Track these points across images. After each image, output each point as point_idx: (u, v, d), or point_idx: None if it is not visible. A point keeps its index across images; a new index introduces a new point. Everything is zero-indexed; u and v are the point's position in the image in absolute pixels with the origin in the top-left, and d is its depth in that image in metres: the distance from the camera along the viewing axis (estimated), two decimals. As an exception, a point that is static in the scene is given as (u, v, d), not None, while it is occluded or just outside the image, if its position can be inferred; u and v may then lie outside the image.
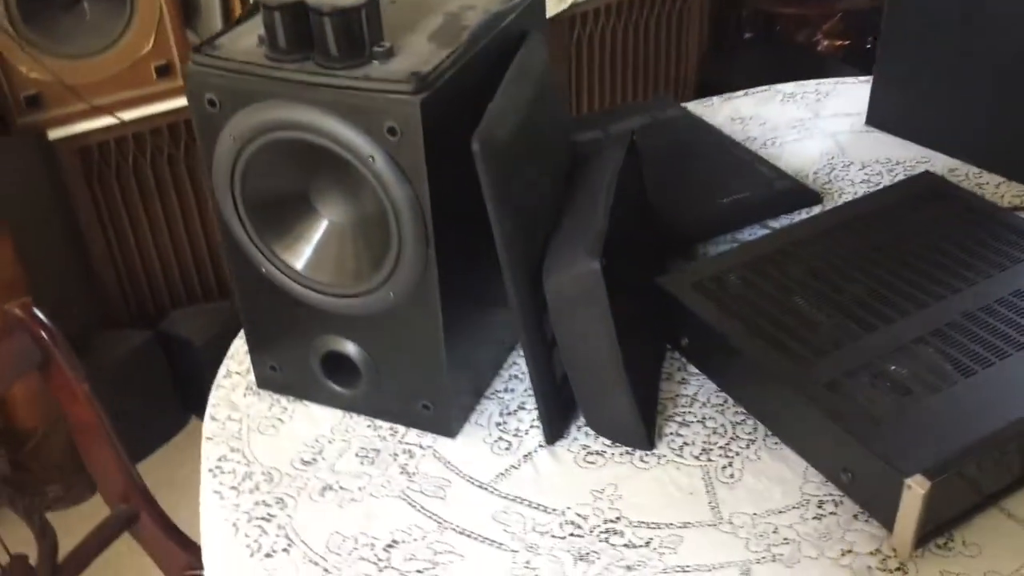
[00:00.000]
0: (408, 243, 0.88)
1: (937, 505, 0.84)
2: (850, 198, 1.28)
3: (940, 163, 1.40)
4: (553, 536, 0.90)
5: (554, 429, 0.99)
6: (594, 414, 0.98)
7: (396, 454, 1.00)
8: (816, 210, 1.27)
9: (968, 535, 0.88)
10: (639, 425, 0.96)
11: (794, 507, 0.92)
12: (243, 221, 0.93)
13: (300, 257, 0.94)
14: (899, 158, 1.42)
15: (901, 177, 1.36)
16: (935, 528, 0.87)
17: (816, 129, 1.51)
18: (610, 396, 0.94)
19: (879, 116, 1.50)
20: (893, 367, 0.94)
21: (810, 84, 1.64)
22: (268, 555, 0.90)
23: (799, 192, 1.24)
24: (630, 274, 1.06)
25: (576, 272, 0.88)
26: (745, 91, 1.64)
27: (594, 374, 0.94)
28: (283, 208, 0.93)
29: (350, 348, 0.99)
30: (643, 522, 0.91)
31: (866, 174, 1.39)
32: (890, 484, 0.83)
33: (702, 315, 1.02)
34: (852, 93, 1.59)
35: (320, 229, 0.94)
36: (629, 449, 0.98)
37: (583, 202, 0.96)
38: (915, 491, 0.81)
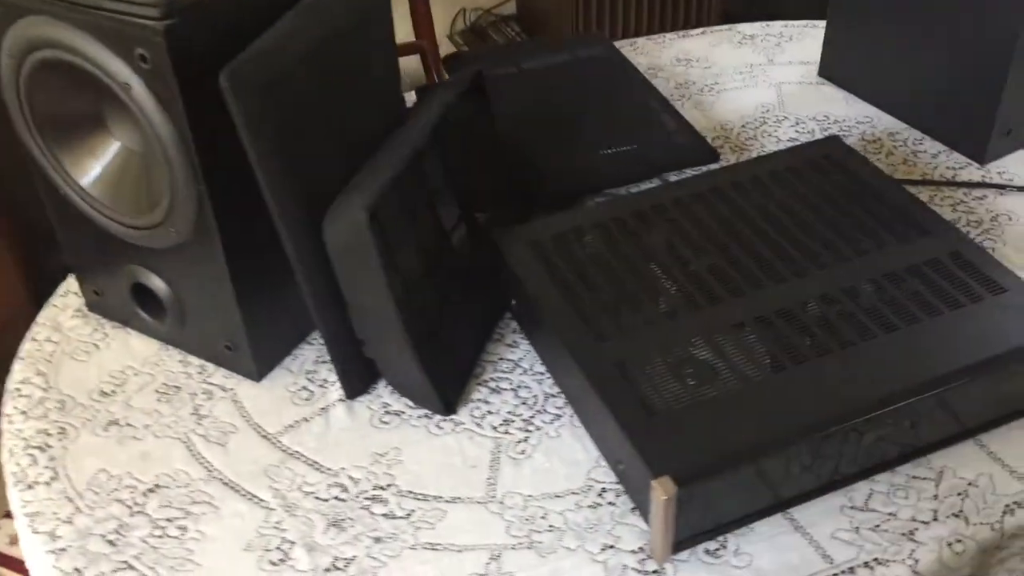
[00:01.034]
0: (180, 179, 0.84)
1: (692, 510, 0.77)
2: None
3: (883, 124, 1.28)
4: (317, 498, 0.86)
5: (352, 384, 0.95)
6: (389, 372, 0.93)
7: (196, 394, 0.97)
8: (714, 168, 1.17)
9: (745, 543, 0.81)
10: (430, 388, 0.90)
11: (574, 492, 0.86)
12: (35, 137, 0.90)
13: (87, 174, 0.90)
14: (839, 116, 1.30)
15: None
16: (705, 532, 0.80)
17: (763, 77, 1.40)
18: (396, 354, 0.89)
19: (829, 68, 1.38)
20: (705, 353, 0.86)
21: (775, 25, 1.52)
22: (30, 486, 0.89)
23: (693, 148, 1.15)
24: (458, 225, 0.99)
25: (346, 221, 0.82)
26: (703, 29, 1.53)
27: (377, 330, 0.88)
28: (75, 126, 0.89)
29: (155, 281, 0.96)
30: (412, 492, 0.87)
31: (796, 131, 1.28)
32: (646, 482, 0.77)
33: (523, 276, 0.95)
34: (818, 39, 1.46)
35: (111, 151, 0.90)
36: (429, 413, 0.93)
37: (389, 148, 0.89)
38: (658, 494, 0.74)
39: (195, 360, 1.00)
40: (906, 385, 0.82)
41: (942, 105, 1.22)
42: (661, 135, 1.16)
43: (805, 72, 1.40)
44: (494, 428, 0.92)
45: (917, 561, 0.79)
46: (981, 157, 1.20)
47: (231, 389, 0.97)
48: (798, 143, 1.23)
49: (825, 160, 1.07)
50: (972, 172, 1.19)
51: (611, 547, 0.81)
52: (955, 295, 0.90)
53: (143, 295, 0.99)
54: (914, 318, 0.88)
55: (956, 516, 0.82)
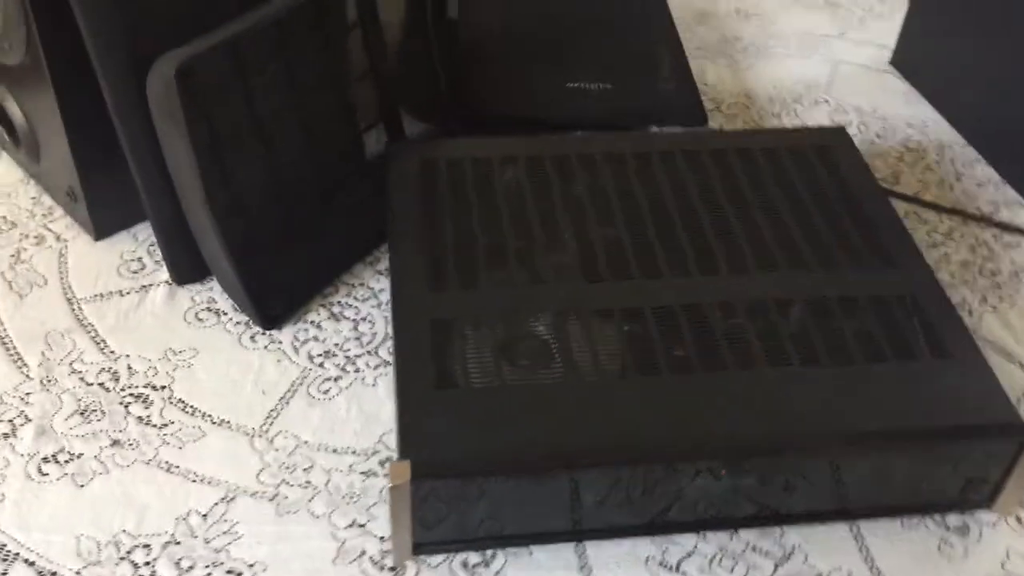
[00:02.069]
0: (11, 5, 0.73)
1: (437, 509, 0.63)
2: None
3: (937, 134, 1.07)
4: (82, 379, 0.76)
5: (180, 268, 0.83)
6: (214, 265, 0.81)
7: (28, 235, 0.88)
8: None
9: (515, 568, 0.66)
10: (243, 294, 0.78)
11: (355, 453, 0.73)
12: None
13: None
14: (889, 112, 1.09)
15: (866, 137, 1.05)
16: (467, 541, 0.66)
17: (824, 51, 1.19)
18: (212, 243, 0.76)
19: (901, 56, 1.16)
20: (550, 334, 0.71)
21: (870, -1, 1.29)
22: None
23: (677, 104, 0.97)
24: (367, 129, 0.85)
25: (157, 75, 0.70)
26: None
27: (194, 210, 0.76)
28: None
29: (13, 106, 0.86)
30: (183, 402, 0.75)
31: (830, 120, 1.08)
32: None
33: (395, 197, 0.81)
34: (908, 24, 1.23)
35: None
36: (251, 322, 0.81)
37: (256, 12, 0.76)
38: (391, 477, 0.60)
39: (48, 202, 0.91)
40: (774, 432, 0.65)
41: (1011, 126, 1.00)
42: (648, 82, 0.98)
43: (876, 56, 1.18)
44: (310, 357, 0.79)
45: (705, 651, 0.63)
46: (1034, 198, 0.98)
47: (65, 241, 0.87)
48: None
49: (817, 152, 0.88)
50: (1019, 213, 0.97)
51: (360, 526, 0.68)
52: (887, 345, 0.71)
53: (8, 120, 0.89)
54: (821, 359, 0.70)
55: (781, 611, 0.65)
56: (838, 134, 0.90)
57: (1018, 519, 0.71)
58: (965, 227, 0.95)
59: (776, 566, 0.67)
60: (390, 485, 0.60)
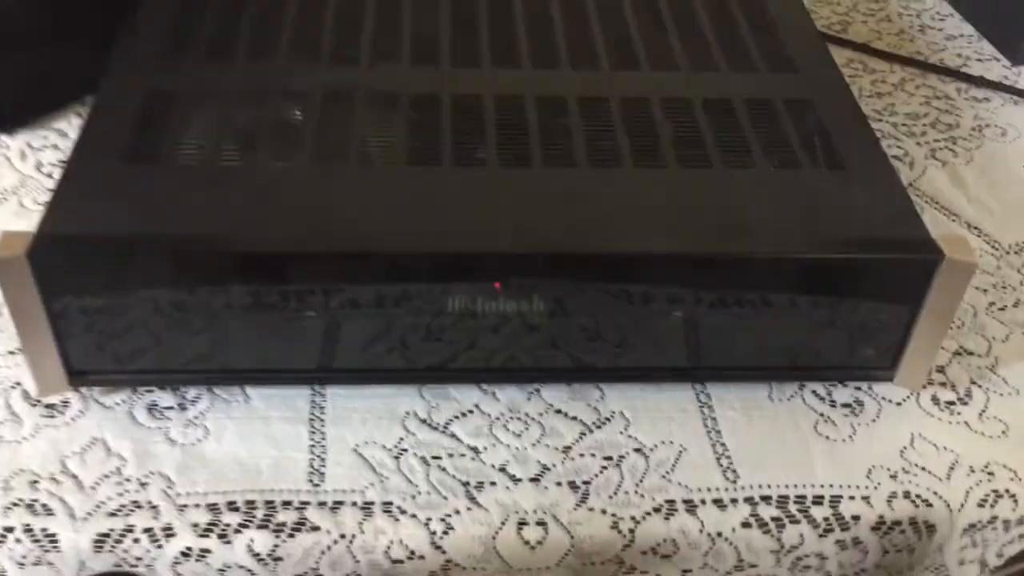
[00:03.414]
0: None
1: (82, 315, 0.45)
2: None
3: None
4: None
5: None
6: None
7: None
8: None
9: (219, 414, 0.48)
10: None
11: (54, 270, 0.55)
12: None
13: None
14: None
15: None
16: (152, 374, 0.48)
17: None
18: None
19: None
20: (309, 117, 0.53)
21: None
22: None
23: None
24: None
25: None
26: None
27: None
28: None
29: None
30: None
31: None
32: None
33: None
34: None
35: None
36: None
37: None
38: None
39: None
40: (582, 240, 0.46)
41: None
42: None
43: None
44: (38, 167, 0.62)
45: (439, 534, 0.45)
46: (1014, 54, 0.79)
47: None
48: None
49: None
50: (993, 68, 0.78)
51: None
52: (761, 148, 0.52)
53: None
54: (663, 161, 0.51)
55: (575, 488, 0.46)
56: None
57: (934, 400, 0.52)
58: (923, 78, 0.76)
59: (581, 434, 0.48)
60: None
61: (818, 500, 0.47)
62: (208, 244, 0.45)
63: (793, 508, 0.46)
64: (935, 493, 0.47)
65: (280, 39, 0.58)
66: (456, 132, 0.52)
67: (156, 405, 0.49)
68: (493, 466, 0.47)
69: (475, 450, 0.47)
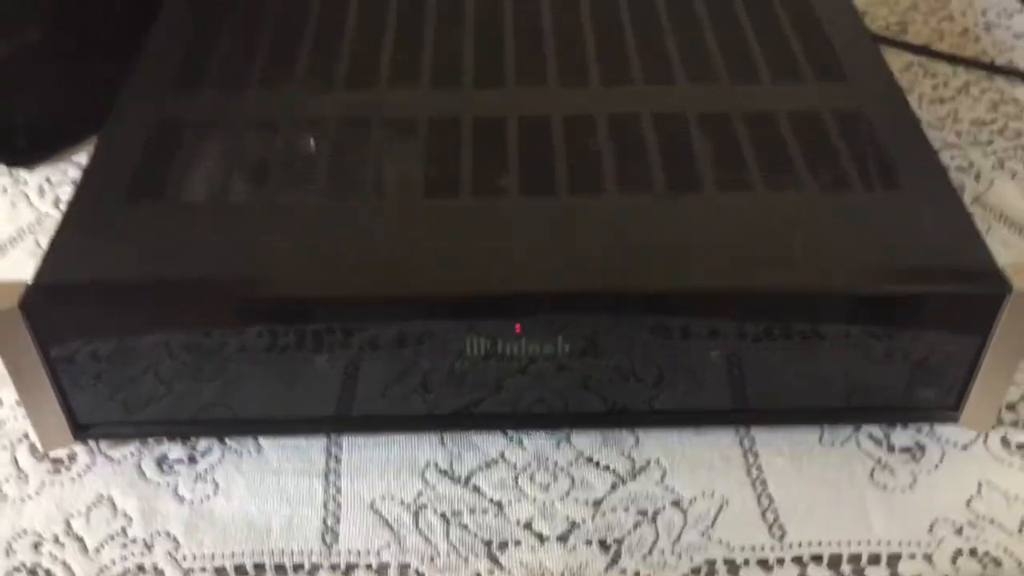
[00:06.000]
0: None
1: (88, 366, 0.43)
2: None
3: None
4: None
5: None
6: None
7: None
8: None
9: (229, 467, 0.46)
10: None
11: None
12: None
13: None
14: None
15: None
16: (161, 425, 0.46)
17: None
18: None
19: None
20: (326, 147, 0.50)
21: None
22: None
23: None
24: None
25: None
26: None
27: None
28: None
29: None
30: None
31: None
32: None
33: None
34: None
35: None
36: None
37: None
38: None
39: None
40: (618, 276, 0.43)
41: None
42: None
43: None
44: (56, 203, 0.60)
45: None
46: (1091, 50, 0.73)
47: None
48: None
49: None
50: (1067, 69, 0.73)
51: (33, 403, 0.48)
52: (810, 169, 0.48)
53: None
54: (703, 187, 0.47)
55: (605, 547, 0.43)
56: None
57: (1004, 442, 0.47)
58: (989, 81, 0.71)
59: (614, 486, 0.45)
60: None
61: (875, 559, 0.42)
62: (213, 289, 0.42)
63: (847, 568, 0.42)
64: (1005, 550, 0.43)
65: (295, 63, 0.55)
66: (477, 157, 0.49)
67: (166, 458, 0.46)
68: (518, 522, 0.44)
69: (498, 505, 0.44)
